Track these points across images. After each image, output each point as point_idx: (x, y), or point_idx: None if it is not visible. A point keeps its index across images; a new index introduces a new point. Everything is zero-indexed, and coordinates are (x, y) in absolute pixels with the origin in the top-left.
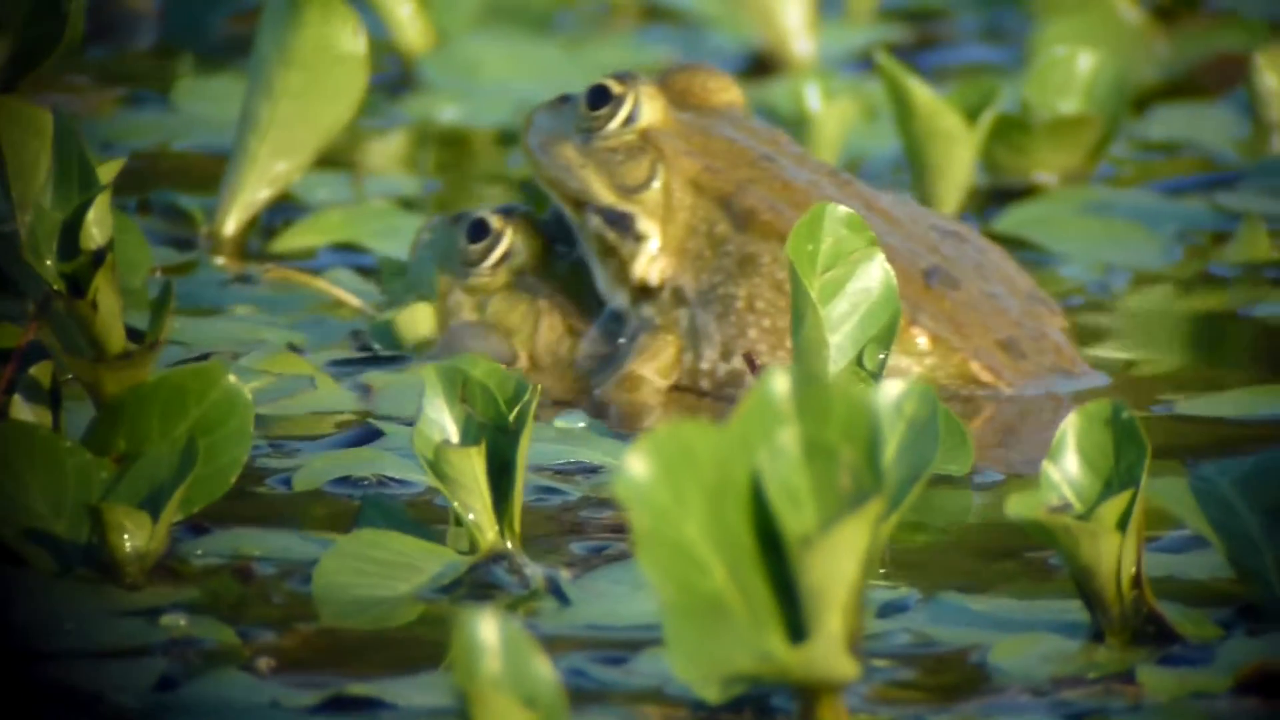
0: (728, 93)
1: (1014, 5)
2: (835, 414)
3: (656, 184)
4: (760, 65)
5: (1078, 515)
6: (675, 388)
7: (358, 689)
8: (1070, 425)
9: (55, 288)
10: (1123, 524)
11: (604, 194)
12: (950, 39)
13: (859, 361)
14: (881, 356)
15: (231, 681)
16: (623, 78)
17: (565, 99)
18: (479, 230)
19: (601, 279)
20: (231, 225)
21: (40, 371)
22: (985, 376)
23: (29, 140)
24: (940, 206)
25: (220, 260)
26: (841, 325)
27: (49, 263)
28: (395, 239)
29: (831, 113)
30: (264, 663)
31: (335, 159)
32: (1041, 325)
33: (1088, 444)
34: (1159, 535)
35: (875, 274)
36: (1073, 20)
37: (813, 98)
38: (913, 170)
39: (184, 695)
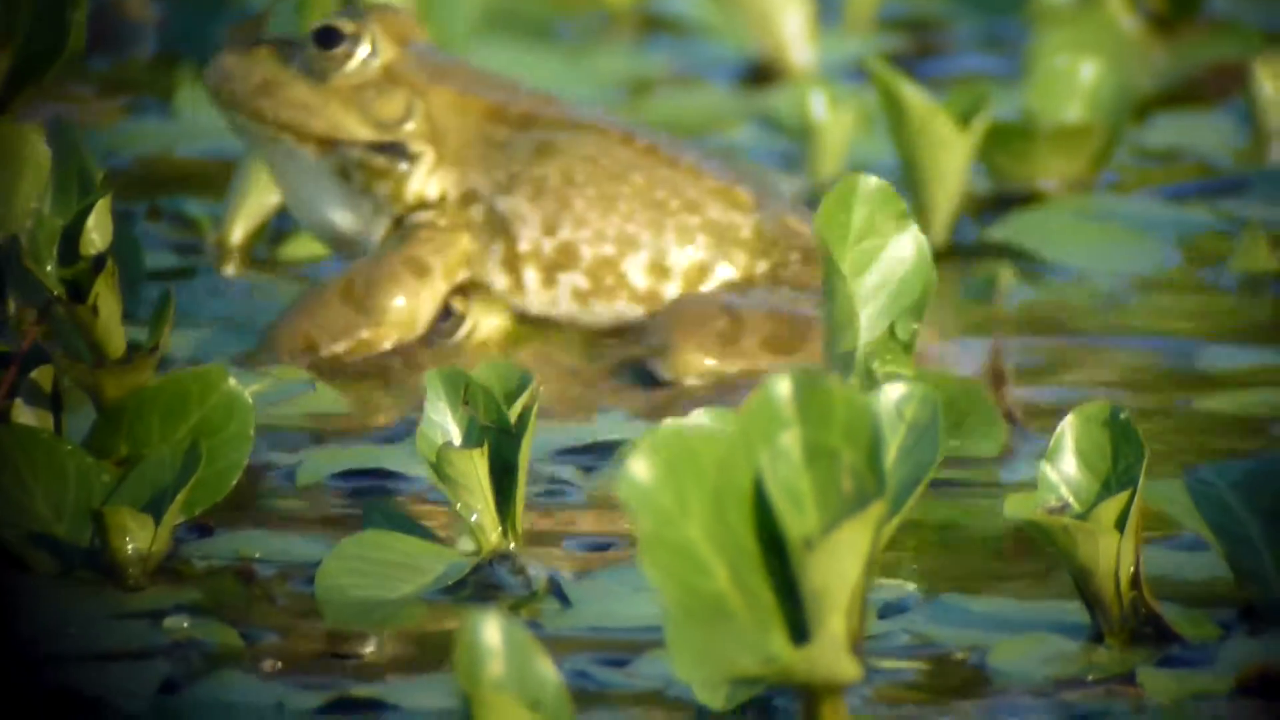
0: (422, 31)
1: (1012, 14)
2: (837, 417)
3: (416, 116)
4: (759, 74)
5: (1076, 515)
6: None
7: (361, 691)
8: (1068, 426)
9: (56, 293)
10: (1120, 524)
11: (360, 130)
12: (949, 48)
13: (891, 333)
14: (914, 327)
15: (235, 684)
16: (352, 15)
17: (256, 42)
18: None
19: (356, 214)
20: (238, 233)
21: (41, 376)
22: None
23: (25, 157)
24: (937, 212)
25: (227, 267)
26: (872, 298)
27: (49, 268)
28: None
29: (836, 121)
30: (268, 664)
31: None
32: None
33: (1085, 445)
34: (1157, 537)
35: (908, 244)
36: (1071, 29)
37: (818, 106)
38: (909, 177)
39: (187, 698)
